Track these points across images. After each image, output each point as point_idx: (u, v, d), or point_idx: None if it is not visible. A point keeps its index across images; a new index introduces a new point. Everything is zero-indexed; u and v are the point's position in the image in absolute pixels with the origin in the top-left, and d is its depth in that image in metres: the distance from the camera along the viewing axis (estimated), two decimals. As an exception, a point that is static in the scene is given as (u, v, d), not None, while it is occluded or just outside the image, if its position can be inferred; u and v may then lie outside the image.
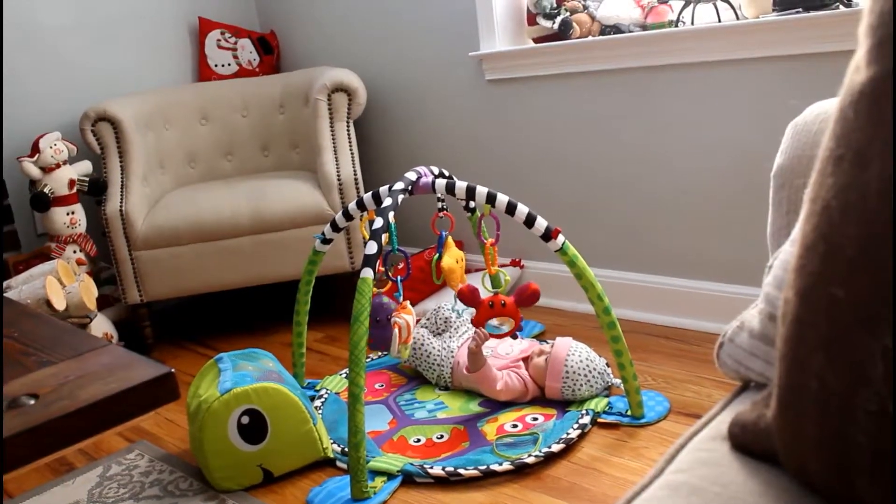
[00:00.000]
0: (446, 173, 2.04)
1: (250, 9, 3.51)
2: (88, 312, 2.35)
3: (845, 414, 0.59)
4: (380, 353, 2.43)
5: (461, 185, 1.88)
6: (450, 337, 2.21)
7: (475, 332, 1.95)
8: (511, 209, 1.84)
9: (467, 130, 2.85)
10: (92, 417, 0.77)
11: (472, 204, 2.23)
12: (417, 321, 1.92)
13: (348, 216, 2.04)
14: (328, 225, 2.09)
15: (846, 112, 0.62)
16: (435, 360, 2.15)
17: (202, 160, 3.08)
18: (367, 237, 1.78)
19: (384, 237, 1.77)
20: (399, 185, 1.87)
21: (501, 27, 2.63)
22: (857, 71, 0.62)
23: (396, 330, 1.84)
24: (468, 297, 1.90)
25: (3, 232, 2.78)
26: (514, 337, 2.01)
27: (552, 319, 2.58)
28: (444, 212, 2.09)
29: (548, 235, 1.83)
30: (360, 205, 1.99)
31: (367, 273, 1.70)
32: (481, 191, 1.85)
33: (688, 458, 0.81)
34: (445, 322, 2.26)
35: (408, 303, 1.90)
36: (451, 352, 2.14)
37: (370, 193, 1.96)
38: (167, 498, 1.80)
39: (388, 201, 1.81)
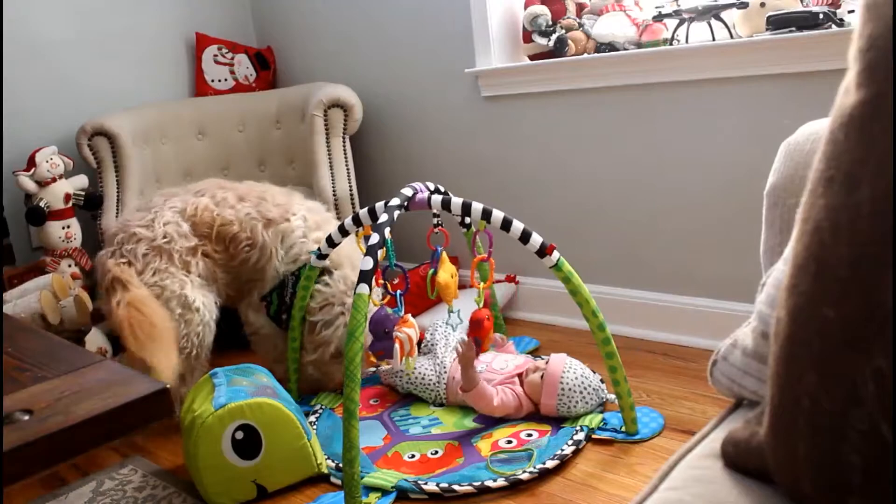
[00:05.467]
0: (442, 189, 2.04)
1: (247, 24, 3.53)
2: (83, 326, 2.35)
3: (837, 433, 0.59)
4: (376, 368, 2.42)
5: (457, 202, 1.88)
6: (442, 353, 2.21)
7: (459, 343, 1.97)
8: (506, 225, 1.84)
9: (463, 146, 2.86)
10: (87, 433, 0.77)
11: (468, 220, 2.24)
12: (421, 334, 1.95)
13: (344, 232, 2.04)
14: (324, 241, 2.09)
15: (836, 134, 0.62)
16: (430, 382, 2.15)
17: (198, 175, 3.08)
18: (364, 252, 1.78)
19: (381, 252, 1.77)
20: (395, 201, 1.87)
21: (497, 44, 2.65)
22: (846, 94, 0.63)
23: (398, 344, 1.84)
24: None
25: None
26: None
27: (547, 335, 2.58)
28: (440, 227, 2.10)
29: (543, 252, 1.84)
30: (356, 221, 2.00)
31: (363, 289, 1.70)
32: (477, 207, 1.86)
33: (681, 476, 0.81)
34: (432, 344, 2.26)
35: (409, 316, 1.90)
36: (445, 368, 2.14)
37: (366, 209, 1.96)
38: (160, 514, 1.79)
39: (384, 217, 1.82)
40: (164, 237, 2.07)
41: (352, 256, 2.20)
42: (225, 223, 2.14)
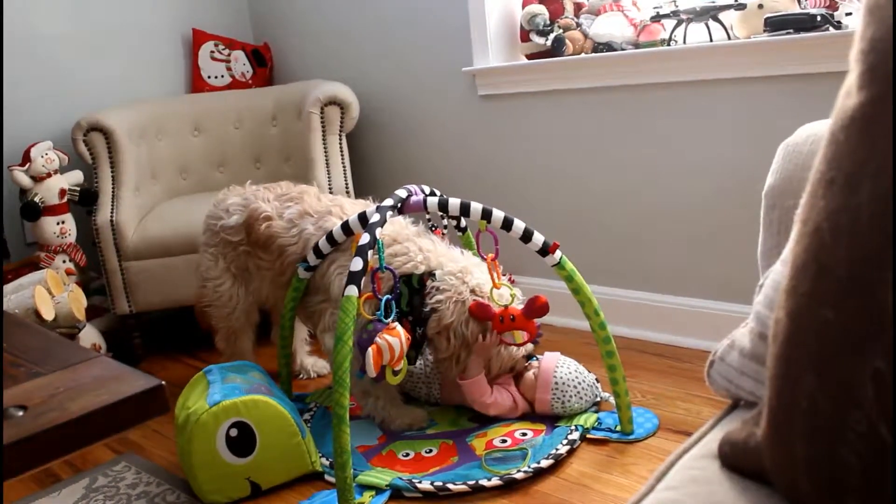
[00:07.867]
0: (437, 192, 2.00)
1: (244, 21, 3.52)
2: (77, 323, 2.34)
3: (836, 434, 0.59)
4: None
5: (455, 202, 1.86)
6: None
7: (486, 331, 1.90)
8: (507, 224, 1.83)
9: (460, 145, 2.85)
10: (82, 429, 0.77)
11: (462, 223, 2.22)
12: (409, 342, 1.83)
13: (332, 241, 1.95)
14: (311, 252, 1.99)
15: (837, 136, 0.62)
16: (419, 378, 2.15)
17: (194, 171, 3.08)
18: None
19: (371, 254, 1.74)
20: (388, 202, 1.85)
21: (495, 43, 2.64)
22: (848, 95, 0.62)
23: (370, 350, 1.71)
24: (480, 313, 1.88)
25: (-6, 241, 2.77)
26: (535, 343, 1.97)
27: (542, 335, 2.57)
28: (436, 231, 2.09)
29: (545, 250, 1.83)
30: (346, 229, 1.92)
31: (352, 291, 1.67)
32: (476, 207, 1.84)
33: (678, 476, 0.81)
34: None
35: (396, 325, 1.78)
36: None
37: (356, 215, 1.89)
38: (154, 511, 1.79)
39: (375, 217, 1.80)
40: (220, 224, 2.22)
41: (437, 251, 1.98)
42: (275, 236, 2.10)
